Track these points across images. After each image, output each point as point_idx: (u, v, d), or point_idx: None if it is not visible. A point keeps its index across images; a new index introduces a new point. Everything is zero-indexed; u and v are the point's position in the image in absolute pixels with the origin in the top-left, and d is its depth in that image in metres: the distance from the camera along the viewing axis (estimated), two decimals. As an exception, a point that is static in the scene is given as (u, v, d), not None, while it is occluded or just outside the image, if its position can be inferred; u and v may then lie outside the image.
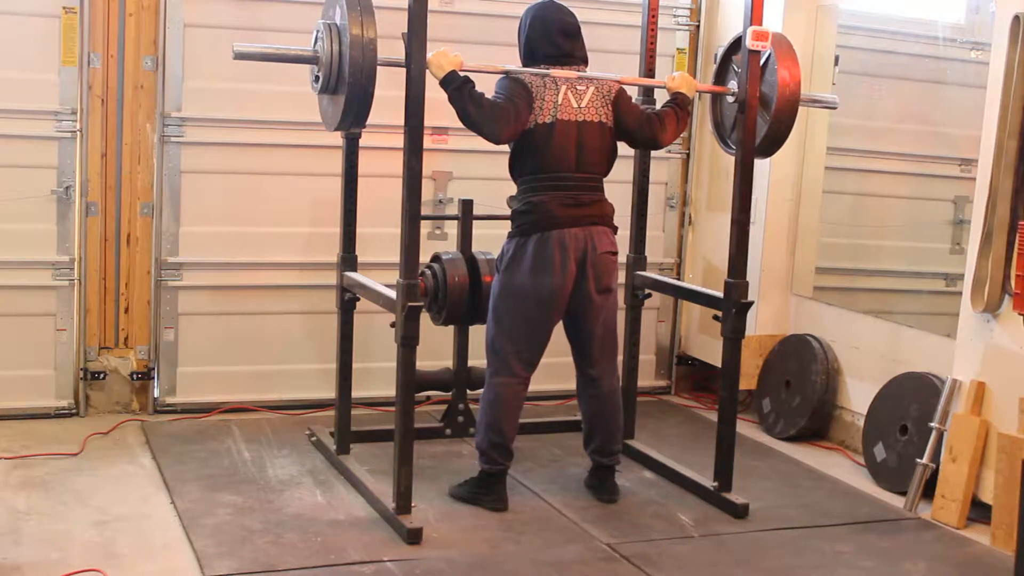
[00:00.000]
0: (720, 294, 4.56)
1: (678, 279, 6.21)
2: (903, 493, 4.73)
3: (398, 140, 4.00)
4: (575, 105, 4.29)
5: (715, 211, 6.08)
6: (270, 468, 4.76)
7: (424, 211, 4.09)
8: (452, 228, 5.34)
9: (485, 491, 4.42)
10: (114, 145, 5.31)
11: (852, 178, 5.95)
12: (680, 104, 4.49)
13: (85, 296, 5.31)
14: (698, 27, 6.16)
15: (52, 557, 3.78)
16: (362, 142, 4.71)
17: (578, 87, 4.31)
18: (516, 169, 4.38)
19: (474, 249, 4.99)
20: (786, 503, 4.67)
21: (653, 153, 5.09)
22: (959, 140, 5.48)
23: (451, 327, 5.05)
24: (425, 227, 5.38)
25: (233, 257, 5.49)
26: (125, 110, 5.31)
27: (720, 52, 4.77)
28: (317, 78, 4.06)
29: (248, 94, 5.41)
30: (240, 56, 4.02)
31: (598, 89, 4.34)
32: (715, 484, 4.58)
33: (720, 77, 4.75)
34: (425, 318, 4.32)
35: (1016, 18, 4.34)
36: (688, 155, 6.24)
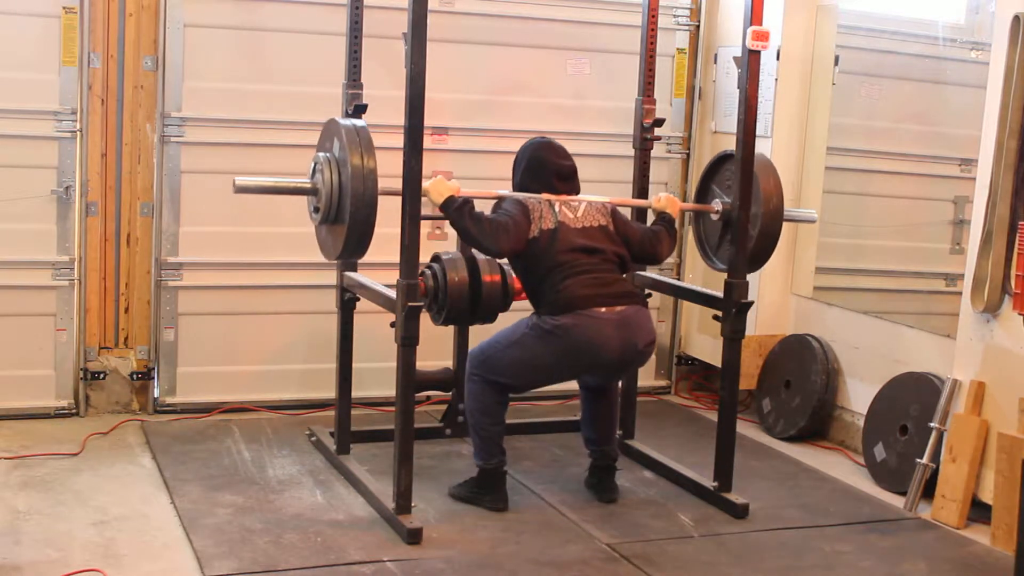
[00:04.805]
0: (720, 294, 4.57)
1: (678, 279, 6.22)
2: (903, 493, 4.73)
3: (398, 140, 4.00)
4: (572, 216, 4.39)
5: (715, 211, 6.08)
6: (270, 468, 4.76)
7: (424, 211, 4.11)
8: (452, 228, 5.33)
9: (485, 491, 4.42)
10: (114, 145, 5.31)
11: (852, 178, 5.95)
12: (668, 223, 4.65)
13: (85, 296, 5.31)
14: (698, 27, 6.16)
15: (52, 557, 3.78)
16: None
17: (572, 203, 4.43)
18: (532, 280, 4.39)
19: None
20: (786, 503, 4.67)
21: (653, 153, 5.10)
22: (959, 140, 5.48)
23: (451, 327, 5.05)
24: (425, 227, 5.37)
25: (233, 257, 5.49)
26: (125, 110, 5.31)
27: (703, 170, 4.90)
28: (317, 209, 4.14)
29: (248, 94, 5.41)
30: (241, 190, 4.15)
31: (591, 204, 4.46)
32: (715, 484, 4.58)
33: (702, 195, 4.85)
34: (425, 318, 4.32)
35: (1016, 18, 4.34)
36: (688, 155, 6.25)
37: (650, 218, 4.82)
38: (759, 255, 4.69)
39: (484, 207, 4.43)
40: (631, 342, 4.30)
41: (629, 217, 4.79)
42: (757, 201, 4.57)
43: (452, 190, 4.27)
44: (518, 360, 4.33)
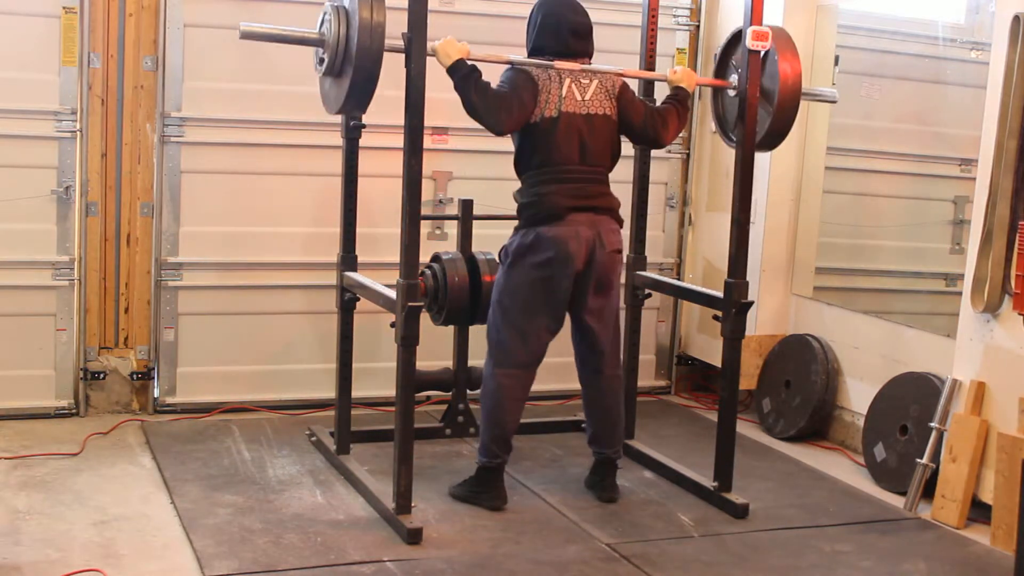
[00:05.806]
0: (720, 294, 4.56)
1: (678, 279, 6.22)
2: (903, 493, 4.73)
3: (398, 140, 4.00)
4: (579, 98, 4.30)
5: (715, 211, 6.08)
6: (270, 468, 4.76)
7: (424, 211, 4.10)
8: (452, 228, 5.34)
9: (483, 488, 4.41)
10: (114, 145, 5.31)
11: (852, 178, 5.95)
12: (680, 100, 4.53)
13: (85, 296, 5.31)
14: (698, 27, 6.17)
15: (52, 557, 3.78)
16: (362, 142, 4.71)
17: (582, 80, 4.32)
18: (521, 164, 4.38)
19: (474, 249, 5.00)
20: (786, 503, 4.67)
21: (653, 153, 5.09)
22: (959, 140, 5.48)
23: (451, 327, 5.05)
24: (425, 227, 5.38)
25: (233, 257, 5.49)
26: (125, 110, 5.31)
27: (721, 45, 4.79)
28: (322, 60, 4.06)
29: (248, 94, 5.41)
30: (246, 36, 4.02)
31: (601, 83, 4.36)
32: (715, 484, 4.58)
33: (721, 71, 4.77)
34: (425, 318, 4.32)
35: (1016, 18, 4.34)
36: (688, 155, 6.25)
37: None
38: (775, 135, 4.61)
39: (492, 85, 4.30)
40: (599, 242, 4.28)
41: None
42: (774, 79, 4.50)
43: (462, 52, 4.16)
44: (514, 297, 4.29)
